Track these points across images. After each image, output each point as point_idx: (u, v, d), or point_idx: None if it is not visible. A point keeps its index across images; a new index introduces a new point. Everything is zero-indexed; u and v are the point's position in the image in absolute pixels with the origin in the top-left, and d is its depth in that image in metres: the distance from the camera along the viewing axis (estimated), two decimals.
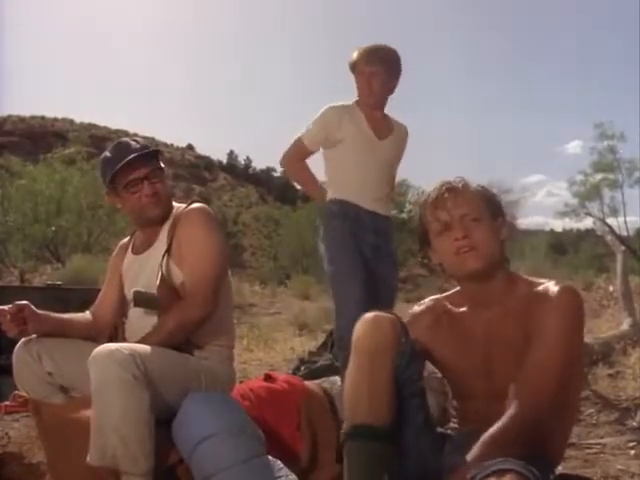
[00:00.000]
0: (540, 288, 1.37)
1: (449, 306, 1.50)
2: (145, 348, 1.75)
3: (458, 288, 1.51)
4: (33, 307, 1.90)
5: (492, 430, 1.25)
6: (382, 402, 1.33)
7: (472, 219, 1.39)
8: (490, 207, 1.41)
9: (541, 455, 1.22)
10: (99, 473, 1.67)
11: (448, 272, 1.45)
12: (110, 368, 1.64)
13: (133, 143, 1.99)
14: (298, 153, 2.76)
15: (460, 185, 1.42)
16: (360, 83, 2.69)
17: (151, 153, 1.99)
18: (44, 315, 1.93)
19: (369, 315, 1.41)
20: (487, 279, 1.41)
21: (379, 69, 2.64)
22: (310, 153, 2.76)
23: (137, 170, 1.94)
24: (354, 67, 2.70)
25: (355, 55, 2.68)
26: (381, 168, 2.71)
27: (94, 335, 2.05)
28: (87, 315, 2.12)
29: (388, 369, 1.35)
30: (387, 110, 2.81)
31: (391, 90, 2.72)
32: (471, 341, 1.43)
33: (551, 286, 1.36)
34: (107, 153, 2.01)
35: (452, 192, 1.41)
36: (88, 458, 1.67)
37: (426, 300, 1.57)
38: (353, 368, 1.38)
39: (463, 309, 1.47)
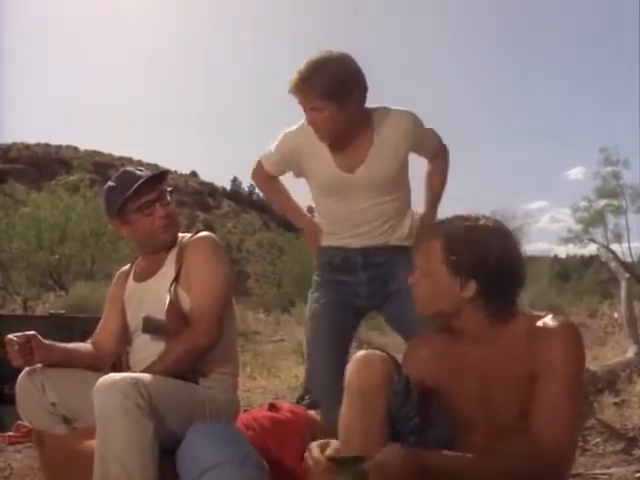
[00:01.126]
0: (538, 324, 1.37)
1: (444, 340, 1.50)
2: (150, 377, 1.75)
3: None
4: (40, 337, 1.90)
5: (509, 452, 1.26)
6: (375, 444, 1.32)
7: (422, 273, 1.44)
8: (450, 267, 1.39)
9: None
10: None
11: None
12: (114, 397, 1.63)
13: (136, 171, 2.03)
14: (262, 175, 2.30)
15: (426, 237, 1.45)
16: (306, 117, 2.05)
17: (158, 176, 2.02)
18: (50, 345, 1.93)
19: (360, 354, 1.41)
20: (451, 320, 1.44)
21: (323, 104, 1.97)
22: (275, 177, 2.32)
23: (149, 193, 1.97)
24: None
25: (290, 84, 2.00)
26: (362, 202, 2.15)
27: (97, 365, 2.04)
28: (89, 345, 2.12)
29: (381, 408, 1.35)
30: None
31: (349, 115, 2.01)
32: (468, 377, 1.43)
33: (549, 322, 1.36)
34: (112, 183, 2.03)
35: (418, 243, 1.47)
36: None
37: (422, 334, 1.59)
38: (345, 408, 1.38)
39: (457, 344, 1.47)
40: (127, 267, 2.21)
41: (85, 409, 1.77)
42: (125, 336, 2.11)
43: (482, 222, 1.41)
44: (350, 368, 1.40)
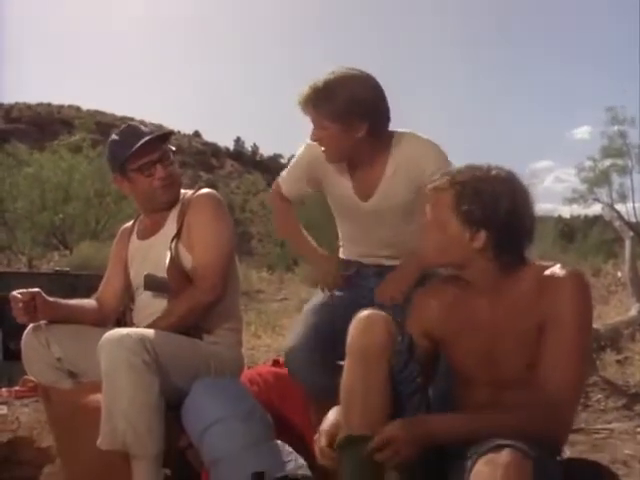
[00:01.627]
0: (546, 273, 1.35)
1: (453, 291, 1.48)
2: (155, 333, 1.76)
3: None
4: (44, 294, 1.90)
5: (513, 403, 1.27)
6: (377, 406, 1.32)
7: (432, 223, 1.40)
8: (461, 217, 1.36)
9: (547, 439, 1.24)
10: (109, 457, 1.68)
11: None
12: (120, 353, 1.64)
13: (142, 127, 1.99)
14: (279, 198, 2.16)
15: (437, 186, 1.41)
16: (312, 132, 1.95)
17: (162, 136, 1.99)
18: (54, 302, 1.93)
19: (362, 314, 1.40)
20: (460, 272, 1.41)
21: (330, 124, 1.87)
22: (291, 204, 2.17)
23: (150, 153, 1.93)
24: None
25: (301, 98, 1.90)
26: (378, 230, 2.03)
27: (101, 321, 2.05)
28: (93, 301, 2.12)
29: (383, 369, 1.34)
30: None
31: (356, 140, 1.88)
32: (474, 329, 1.41)
33: (558, 271, 1.34)
34: (115, 136, 2.00)
35: (431, 191, 1.42)
36: (98, 442, 1.68)
37: (434, 280, 1.57)
38: (347, 369, 1.37)
39: (465, 295, 1.45)
40: (130, 224, 2.19)
41: (90, 364, 1.78)
42: (128, 293, 2.11)
43: (494, 173, 1.38)
44: (352, 329, 1.38)
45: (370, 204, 1.99)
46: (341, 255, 2.19)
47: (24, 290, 1.88)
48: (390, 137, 1.96)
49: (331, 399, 1.45)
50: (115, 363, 1.64)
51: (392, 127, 1.98)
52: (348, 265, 2.14)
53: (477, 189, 1.35)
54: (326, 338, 1.91)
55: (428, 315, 1.49)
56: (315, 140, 1.94)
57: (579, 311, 1.31)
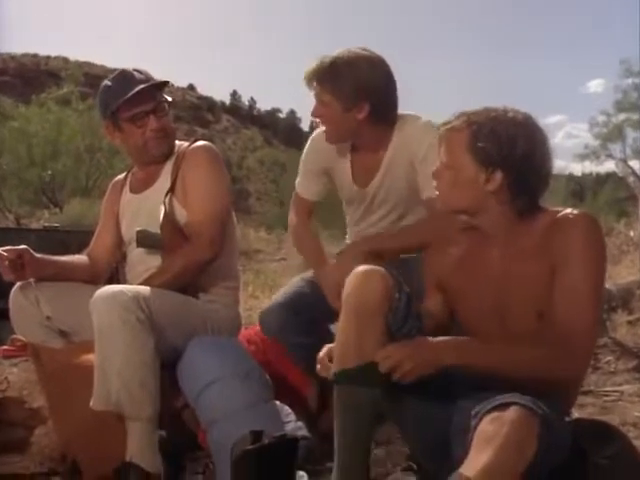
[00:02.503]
0: (558, 217, 1.32)
1: (465, 240, 1.44)
2: (149, 290, 1.71)
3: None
4: (32, 251, 1.85)
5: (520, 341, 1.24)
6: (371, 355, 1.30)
7: (446, 165, 1.37)
8: (477, 156, 1.32)
9: (553, 395, 1.20)
10: (103, 417, 1.64)
11: None
12: (113, 311, 1.60)
13: (137, 74, 1.89)
14: (301, 208, 2.10)
15: (452, 126, 1.35)
16: (314, 107, 1.93)
17: (157, 85, 1.90)
18: (42, 259, 1.88)
19: (359, 269, 1.38)
20: (474, 217, 1.37)
21: (331, 101, 1.84)
22: (313, 204, 2.11)
23: (144, 103, 1.85)
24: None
25: (307, 70, 1.87)
26: (379, 218, 2.02)
27: (93, 278, 1.99)
28: (85, 257, 2.06)
29: (378, 326, 1.32)
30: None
31: (356, 122, 1.85)
32: (485, 278, 1.38)
33: (568, 213, 1.32)
34: (108, 82, 1.91)
35: (445, 134, 1.37)
36: (91, 402, 1.64)
37: (446, 232, 1.52)
38: (341, 323, 1.36)
39: (477, 243, 1.41)
40: (122, 176, 2.12)
41: (82, 322, 1.74)
42: (121, 248, 2.05)
43: (511, 115, 1.34)
44: (347, 284, 1.37)
45: (369, 190, 1.98)
46: (347, 239, 2.18)
47: (10, 247, 1.83)
48: (394, 121, 1.93)
49: (309, 359, 1.47)
50: (108, 320, 1.60)
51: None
52: None
53: (494, 129, 1.32)
54: (306, 302, 1.93)
55: (443, 263, 1.46)
56: (316, 116, 1.92)
57: (590, 251, 1.28)
